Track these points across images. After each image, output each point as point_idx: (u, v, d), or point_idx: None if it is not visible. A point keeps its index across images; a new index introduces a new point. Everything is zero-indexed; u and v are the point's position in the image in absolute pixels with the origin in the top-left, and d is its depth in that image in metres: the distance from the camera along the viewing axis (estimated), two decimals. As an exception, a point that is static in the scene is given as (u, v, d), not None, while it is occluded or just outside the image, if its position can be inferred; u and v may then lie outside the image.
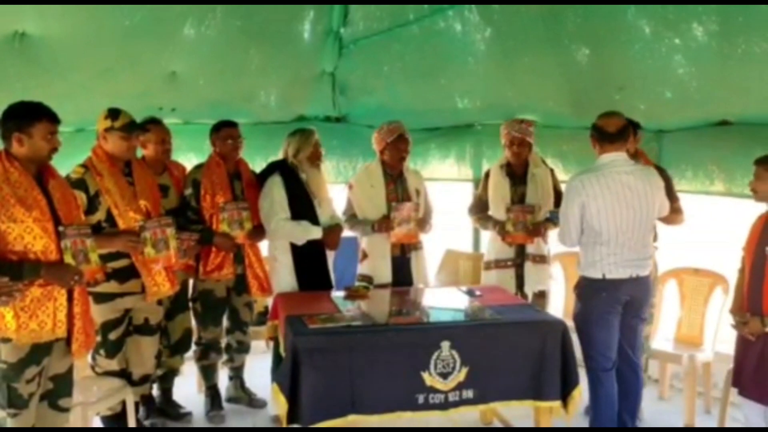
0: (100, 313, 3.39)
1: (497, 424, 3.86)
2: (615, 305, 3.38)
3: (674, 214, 3.84)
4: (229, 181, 3.91)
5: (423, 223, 4.08)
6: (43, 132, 2.72)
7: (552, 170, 4.28)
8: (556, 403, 3.20)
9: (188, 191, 3.87)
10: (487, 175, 4.35)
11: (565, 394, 3.21)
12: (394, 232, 3.97)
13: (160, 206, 3.61)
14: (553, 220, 3.83)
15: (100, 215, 3.32)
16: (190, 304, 4.04)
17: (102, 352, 3.49)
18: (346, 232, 4.08)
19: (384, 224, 3.97)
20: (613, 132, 3.32)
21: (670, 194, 3.82)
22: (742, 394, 3.09)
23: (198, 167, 3.95)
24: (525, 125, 4.15)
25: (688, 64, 3.67)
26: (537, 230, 4.07)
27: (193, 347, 4.11)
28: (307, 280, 3.85)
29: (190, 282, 4.04)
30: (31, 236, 2.68)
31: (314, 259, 3.85)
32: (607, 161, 3.33)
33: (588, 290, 3.42)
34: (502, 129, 4.23)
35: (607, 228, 3.29)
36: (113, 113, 3.36)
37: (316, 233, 3.77)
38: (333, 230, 3.85)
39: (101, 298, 3.39)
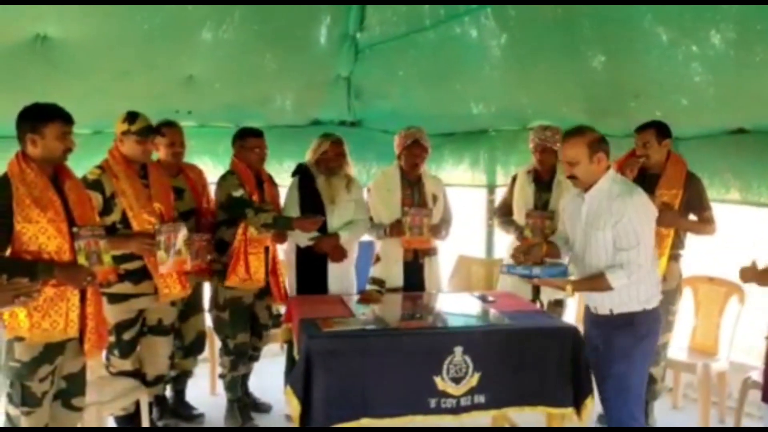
0: (114, 314, 3.42)
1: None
2: None
3: (704, 224, 3.79)
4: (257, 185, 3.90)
5: (437, 229, 4.03)
6: (55, 132, 2.74)
7: None
8: (569, 410, 3.18)
9: (239, 192, 3.76)
10: (514, 179, 4.31)
11: (577, 401, 3.19)
12: (406, 237, 3.95)
13: (174, 209, 3.63)
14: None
15: (115, 216, 3.35)
16: (215, 312, 3.95)
17: (116, 352, 3.52)
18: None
19: (396, 229, 3.96)
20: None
21: (701, 203, 3.78)
22: None
23: (231, 174, 3.86)
24: (550, 132, 4.09)
25: (705, 71, 3.64)
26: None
27: (221, 357, 4.06)
28: (303, 283, 3.90)
29: (205, 285, 4.05)
30: (45, 236, 2.71)
31: (313, 263, 3.87)
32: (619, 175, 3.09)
33: (655, 324, 3.05)
34: (530, 135, 4.21)
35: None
36: (131, 117, 3.39)
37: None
38: (327, 238, 3.80)
39: (115, 298, 3.42)
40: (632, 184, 3.04)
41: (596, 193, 2.95)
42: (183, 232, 3.48)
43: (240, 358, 3.97)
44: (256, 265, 3.81)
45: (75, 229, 2.80)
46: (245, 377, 4.21)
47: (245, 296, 3.90)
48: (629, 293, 2.93)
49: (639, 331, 2.98)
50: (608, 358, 3.03)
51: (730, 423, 3.85)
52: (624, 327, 2.97)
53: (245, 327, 3.96)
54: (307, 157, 3.96)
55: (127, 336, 3.51)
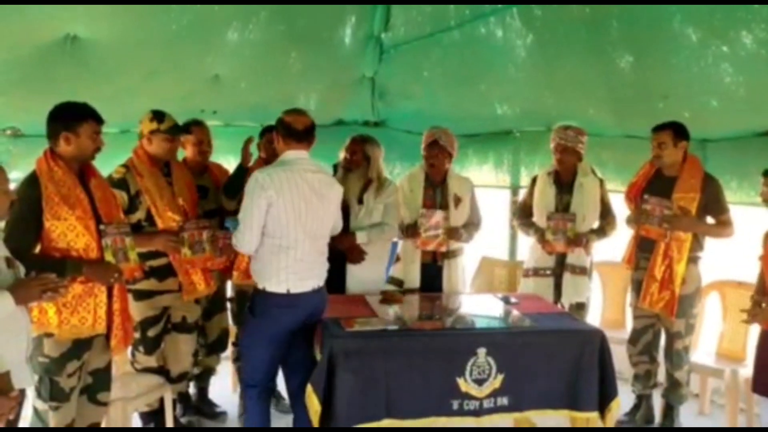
0: (139, 311, 3.46)
1: None
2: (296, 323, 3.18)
3: (721, 227, 3.76)
4: None
5: (455, 232, 3.94)
6: (89, 131, 2.80)
7: (602, 180, 4.15)
8: (593, 414, 3.15)
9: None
10: (534, 180, 4.27)
11: (602, 405, 3.15)
12: (421, 239, 3.90)
13: (197, 207, 3.66)
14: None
15: (140, 214, 3.39)
16: (228, 305, 4.08)
17: (141, 348, 3.56)
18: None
19: (411, 230, 3.93)
20: (301, 130, 3.14)
21: (718, 206, 3.74)
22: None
23: (239, 167, 3.98)
24: (572, 133, 4.03)
25: (736, 72, 3.59)
26: (578, 240, 3.99)
27: (231, 348, 4.15)
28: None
29: (228, 283, 4.08)
30: (73, 234, 2.75)
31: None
32: (293, 158, 3.13)
33: (272, 309, 3.11)
34: (551, 134, 4.17)
35: (295, 231, 3.06)
36: (159, 116, 3.43)
37: None
38: (343, 237, 3.69)
39: (140, 295, 3.45)
40: (284, 164, 3.12)
41: None
42: (207, 230, 3.52)
43: None
44: None
45: (102, 227, 2.85)
46: None
47: (250, 290, 3.92)
48: (256, 265, 3.16)
49: (254, 308, 3.16)
50: None
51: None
52: (250, 298, 3.22)
53: None
54: None
55: (151, 333, 3.55)
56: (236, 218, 3.19)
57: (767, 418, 3.08)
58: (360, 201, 3.88)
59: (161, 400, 3.59)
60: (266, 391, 3.30)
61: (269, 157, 3.91)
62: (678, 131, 3.71)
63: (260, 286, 3.13)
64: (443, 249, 3.96)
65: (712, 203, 3.74)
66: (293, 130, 3.14)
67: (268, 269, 3.09)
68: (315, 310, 3.22)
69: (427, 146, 3.98)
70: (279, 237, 3.05)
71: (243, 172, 3.70)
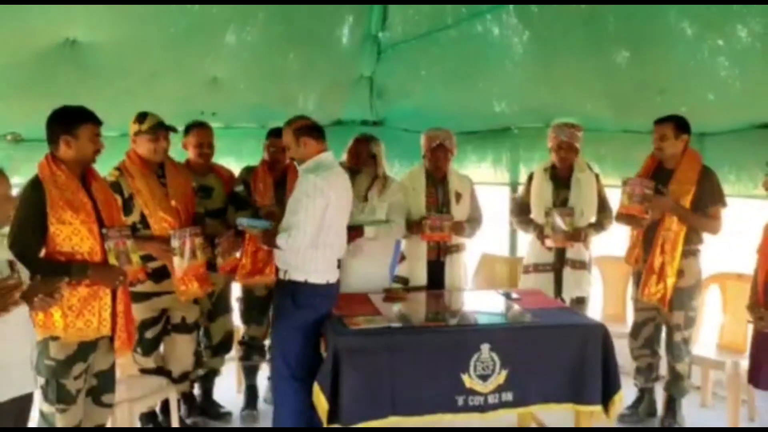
0: (137, 312, 3.43)
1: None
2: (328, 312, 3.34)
3: (706, 219, 3.73)
4: (275, 188, 3.90)
5: (459, 227, 3.98)
6: (88, 133, 2.81)
7: (597, 175, 4.18)
8: (597, 408, 3.16)
9: (239, 188, 3.92)
10: (531, 177, 4.29)
11: (606, 398, 3.17)
12: (427, 233, 3.91)
13: (194, 208, 3.67)
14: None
15: (134, 217, 3.41)
16: (235, 304, 4.10)
17: (139, 350, 3.57)
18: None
19: (416, 227, 3.92)
20: (321, 129, 3.37)
21: (709, 198, 3.72)
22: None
23: (249, 169, 4.00)
24: (574, 130, 4.07)
25: (732, 65, 3.62)
26: (577, 234, 4.02)
27: (237, 347, 4.17)
28: None
29: (233, 284, 4.10)
30: (78, 238, 2.77)
31: None
32: (332, 159, 3.35)
33: (316, 298, 3.29)
34: (549, 132, 4.18)
35: (336, 228, 3.30)
36: (141, 117, 3.45)
37: None
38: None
39: (139, 297, 3.44)
40: (328, 168, 3.26)
41: (301, 169, 3.33)
42: (199, 237, 3.48)
43: (252, 350, 4.07)
44: (265, 261, 3.81)
45: (104, 230, 2.86)
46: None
47: (256, 289, 3.96)
48: (297, 261, 3.22)
49: (297, 299, 3.25)
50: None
51: (759, 422, 3.80)
52: (288, 292, 3.27)
53: (258, 320, 4.03)
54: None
55: (149, 334, 3.57)
56: (250, 216, 3.47)
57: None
58: (363, 198, 3.89)
59: (162, 401, 3.60)
60: (310, 385, 3.16)
61: (273, 161, 3.94)
62: (680, 124, 3.72)
63: (302, 279, 3.24)
64: (447, 239, 3.96)
65: (707, 196, 3.72)
66: (316, 126, 3.33)
67: (310, 263, 3.23)
68: (336, 300, 3.41)
69: (433, 149, 4.00)
70: (325, 234, 3.22)
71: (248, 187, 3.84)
